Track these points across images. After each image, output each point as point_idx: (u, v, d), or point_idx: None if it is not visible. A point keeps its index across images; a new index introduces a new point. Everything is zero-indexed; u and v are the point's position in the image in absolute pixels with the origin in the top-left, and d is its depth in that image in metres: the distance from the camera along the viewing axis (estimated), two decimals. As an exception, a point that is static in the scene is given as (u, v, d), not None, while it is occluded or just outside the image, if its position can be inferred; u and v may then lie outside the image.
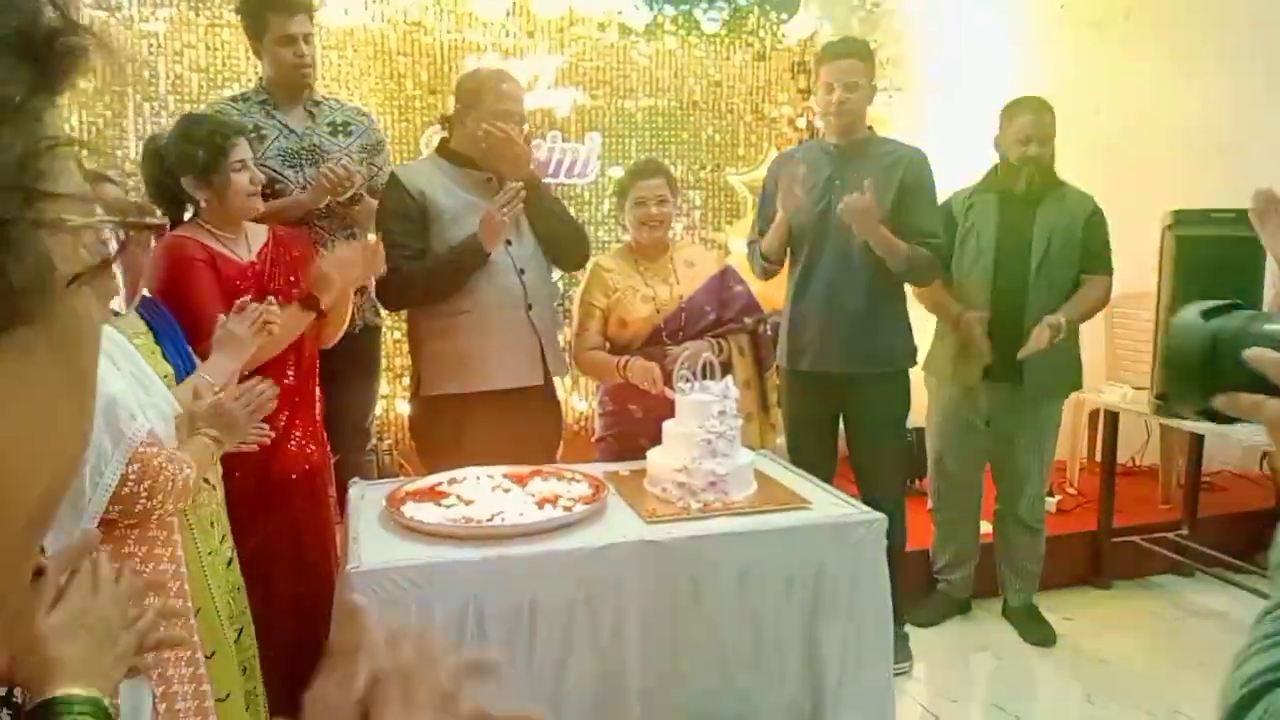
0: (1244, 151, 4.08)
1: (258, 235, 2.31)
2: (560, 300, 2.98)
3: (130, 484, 1.46)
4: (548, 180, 4.02)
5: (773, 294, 3.28)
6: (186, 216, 2.25)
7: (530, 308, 2.55)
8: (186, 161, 2.14)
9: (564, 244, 2.64)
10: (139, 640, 0.93)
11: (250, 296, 2.03)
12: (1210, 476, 4.11)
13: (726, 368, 2.57)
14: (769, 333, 2.86)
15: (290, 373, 2.26)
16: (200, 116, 2.39)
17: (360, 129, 2.89)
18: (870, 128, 2.98)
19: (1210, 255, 2.66)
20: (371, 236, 2.94)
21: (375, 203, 2.79)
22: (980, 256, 3.05)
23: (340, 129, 2.84)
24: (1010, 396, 3.05)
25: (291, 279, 2.29)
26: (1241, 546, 3.62)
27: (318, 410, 2.39)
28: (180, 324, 1.99)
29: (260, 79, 2.85)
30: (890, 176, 2.84)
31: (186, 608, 1.64)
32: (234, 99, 2.85)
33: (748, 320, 2.76)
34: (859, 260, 2.82)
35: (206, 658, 1.69)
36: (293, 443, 2.27)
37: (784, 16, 4.24)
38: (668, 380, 2.40)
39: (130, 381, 1.54)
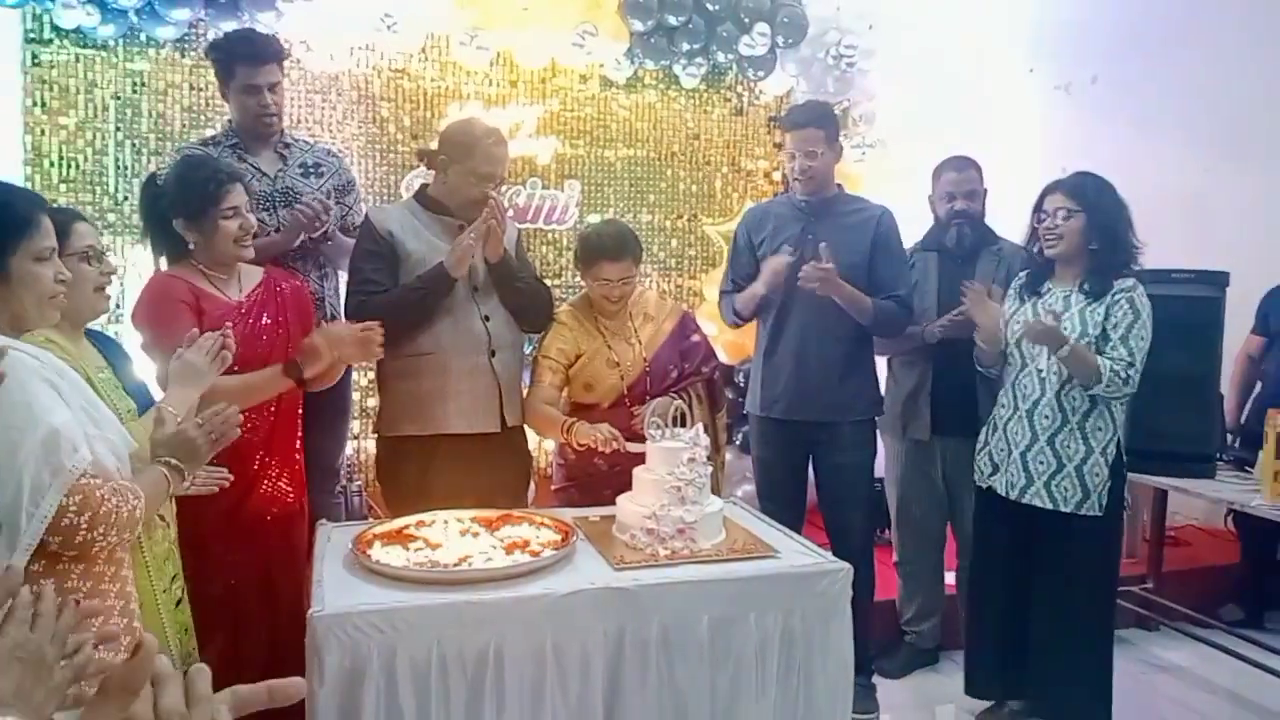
0: (1204, 213, 4.20)
1: (252, 275, 2.32)
2: (531, 348, 3.00)
3: (70, 515, 1.43)
4: (526, 225, 4.08)
5: (745, 342, 3.32)
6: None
7: (494, 354, 2.57)
8: (178, 203, 2.18)
9: (528, 313, 2.67)
10: (75, 674, 0.93)
11: (234, 336, 2.02)
12: (1175, 530, 4.16)
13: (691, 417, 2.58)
14: (720, 376, 2.88)
15: (269, 415, 2.26)
16: (200, 160, 2.42)
17: (331, 169, 2.92)
18: (840, 185, 3.06)
19: (1170, 314, 2.73)
20: (345, 276, 2.97)
21: (347, 240, 2.82)
22: (925, 312, 3.11)
23: (312, 170, 2.87)
24: (962, 449, 3.07)
25: (280, 319, 2.30)
26: (1205, 601, 3.66)
27: (298, 453, 2.38)
28: (157, 360, 1.98)
29: (230, 122, 2.88)
30: (860, 234, 2.92)
31: (118, 633, 1.57)
32: (204, 142, 2.88)
33: (705, 370, 2.78)
34: (829, 312, 2.88)
35: None
36: (267, 483, 2.26)
37: (761, 74, 4.34)
38: (630, 435, 2.40)
39: (79, 414, 1.53)
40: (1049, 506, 2.61)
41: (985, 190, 3.20)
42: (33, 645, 0.89)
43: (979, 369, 2.82)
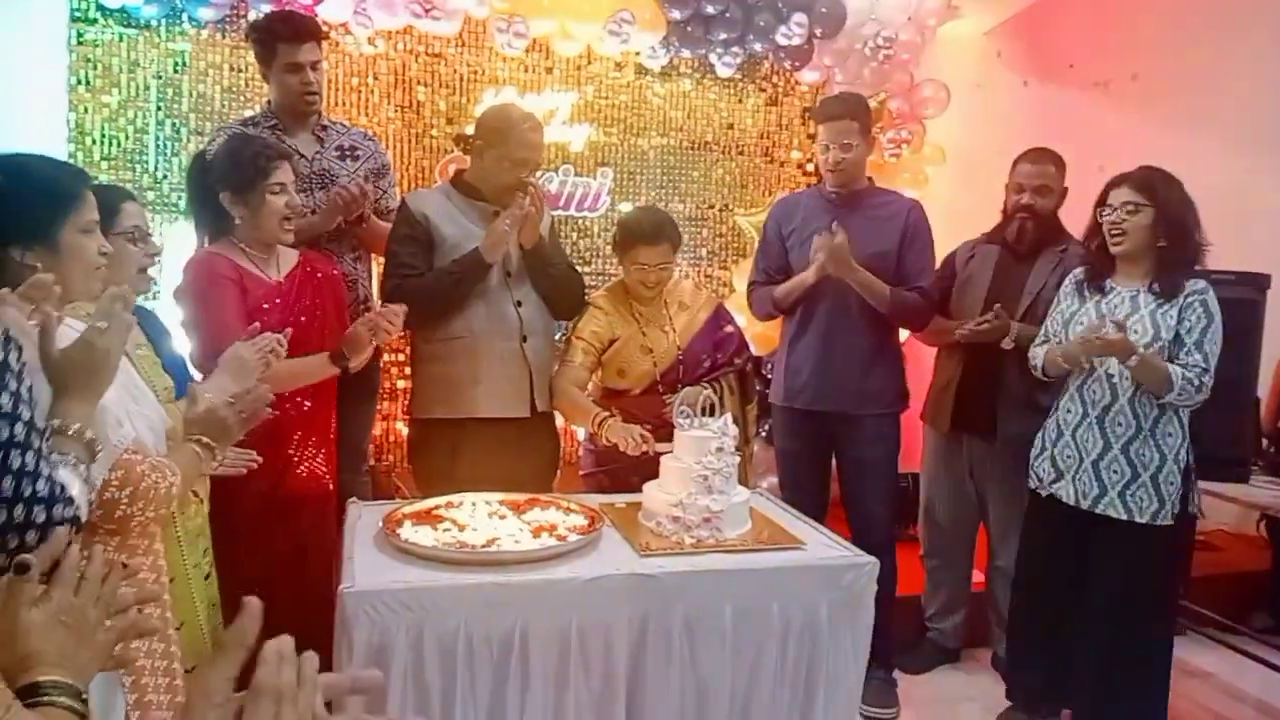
0: (1246, 214, 4.12)
1: (289, 257, 2.36)
2: (561, 334, 3.01)
3: (113, 489, 1.47)
4: (559, 212, 4.09)
5: (773, 334, 3.31)
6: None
7: (525, 339, 2.58)
8: (228, 177, 2.21)
9: (560, 299, 2.68)
10: (119, 637, 0.96)
11: (274, 318, 2.05)
12: (1205, 535, 4.10)
13: (721, 407, 2.58)
14: (751, 368, 2.87)
15: (306, 397, 2.29)
16: (251, 136, 2.47)
17: (367, 152, 2.94)
18: (870, 178, 3.04)
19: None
20: (378, 259, 2.99)
21: (381, 224, 2.84)
22: (973, 305, 3.05)
23: (348, 153, 2.88)
24: (984, 447, 3.05)
25: (317, 301, 2.33)
26: (1234, 607, 3.61)
27: (333, 434, 2.41)
28: (201, 338, 2.01)
29: (268, 103, 2.91)
30: (890, 226, 2.90)
31: (160, 592, 1.62)
32: (243, 122, 2.91)
33: (737, 361, 2.78)
34: (855, 303, 2.87)
35: (187, 671, 1.69)
36: (304, 464, 2.29)
37: (796, 64, 4.31)
38: (657, 432, 2.39)
39: (119, 390, 1.56)
40: (1124, 517, 2.50)
41: (1064, 189, 3.07)
42: (77, 609, 0.91)
43: (1045, 378, 2.69)
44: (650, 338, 2.69)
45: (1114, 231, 2.52)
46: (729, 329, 2.81)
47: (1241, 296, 3.15)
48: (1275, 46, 4.13)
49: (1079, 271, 2.69)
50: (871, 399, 2.94)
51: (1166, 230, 2.48)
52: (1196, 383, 2.41)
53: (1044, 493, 2.67)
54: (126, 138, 3.69)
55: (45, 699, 0.84)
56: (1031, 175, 3.04)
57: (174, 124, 3.73)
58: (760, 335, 4.03)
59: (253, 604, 0.79)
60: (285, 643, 0.76)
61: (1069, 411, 2.62)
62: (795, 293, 2.93)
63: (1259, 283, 3.17)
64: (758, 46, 4.20)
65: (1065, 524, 2.62)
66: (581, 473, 2.82)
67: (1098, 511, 2.53)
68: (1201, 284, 2.49)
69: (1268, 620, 3.66)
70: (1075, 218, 3.19)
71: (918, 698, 3.11)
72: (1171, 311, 2.47)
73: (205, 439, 1.68)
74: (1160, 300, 2.49)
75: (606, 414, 2.51)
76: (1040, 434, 2.71)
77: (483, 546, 1.98)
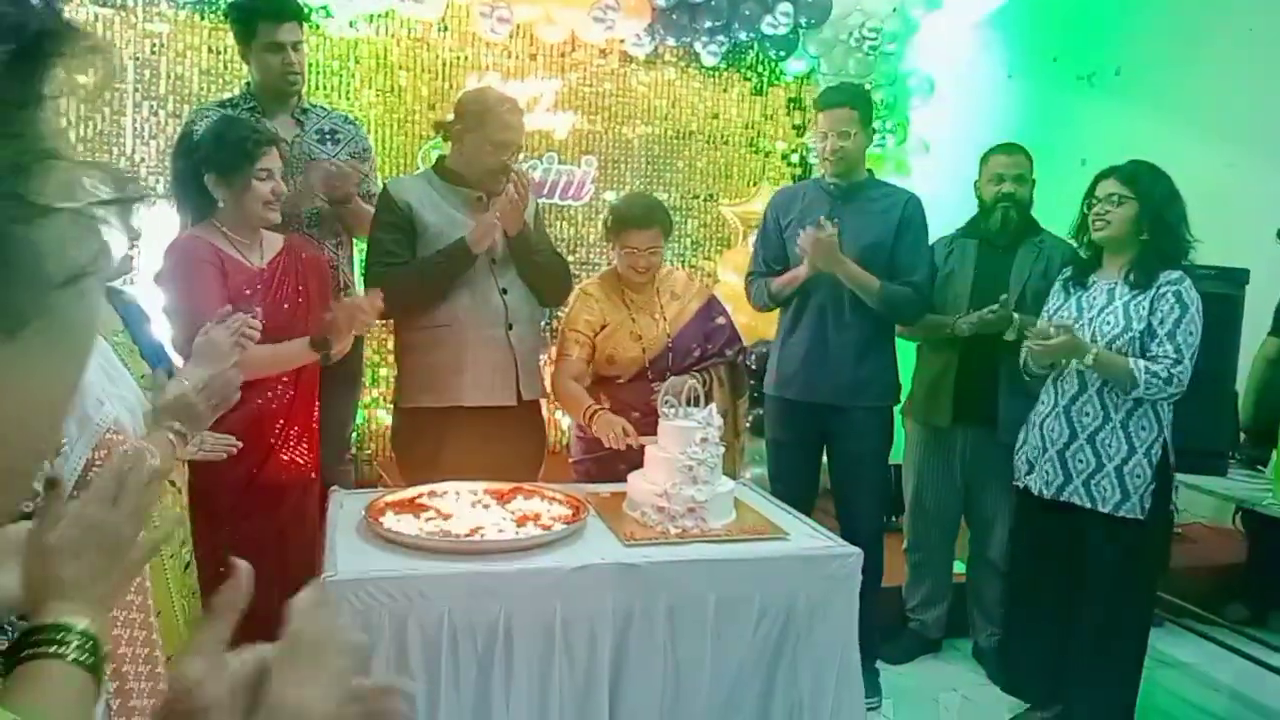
0: (1227, 209, 4.16)
1: (272, 243, 2.32)
2: (547, 321, 2.99)
3: (96, 469, 1.45)
4: (543, 200, 4.06)
5: (762, 325, 3.30)
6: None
7: (510, 327, 2.56)
8: (213, 159, 2.17)
9: (546, 286, 2.66)
10: (150, 552, 0.88)
11: (256, 304, 2.02)
12: (1182, 528, 4.14)
13: (708, 398, 2.58)
14: (745, 361, 2.87)
15: (289, 385, 2.26)
16: (239, 119, 2.43)
17: (348, 136, 2.90)
18: (870, 171, 3.04)
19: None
20: (360, 244, 2.96)
21: (363, 208, 2.81)
22: (957, 300, 3.07)
23: (328, 136, 2.85)
24: (982, 439, 3.06)
25: (300, 288, 2.30)
26: (1211, 598, 3.65)
27: (315, 422, 2.39)
28: (181, 323, 1.98)
29: (248, 85, 2.86)
30: (886, 218, 2.89)
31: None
32: (222, 104, 2.85)
33: (728, 353, 2.78)
34: (849, 295, 2.86)
35: (168, 659, 1.67)
36: (285, 452, 2.27)
37: (782, 54, 4.30)
38: (646, 420, 2.38)
39: (97, 372, 1.54)
40: (1087, 505, 2.50)
41: (1034, 180, 3.12)
42: (111, 527, 0.82)
43: (1026, 376, 2.70)
44: (640, 325, 2.68)
45: (1097, 221, 2.54)
46: (720, 320, 2.81)
47: (1220, 291, 3.18)
48: (1257, 42, 4.16)
49: (1066, 270, 2.70)
50: (862, 391, 2.94)
51: (1149, 224, 2.49)
52: (1165, 375, 2.39)
53: (1020, 484, 2.70)
54: (103, 120, 3.63)
55: (50, 649, 0.74)
56: (1009, 165, 3.09)
57: (151, 106, 3.67)
58: (745, 326, 4.02)
59: (242, 567, 0.74)
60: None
61: (1043, 403, 2.65)
62: (789, 288, 2.94)
63: (1237, 278, 3.20)
64: (743, 35, 4.18)
65: (1042, 515, 2.63)
66: (571, 460, 2.81)
67: (1062, 500, 2.55)
68: (1177, 274, 2.48)
69: (1243, 612, 3.71)
70: (1055, 212, 3.21)
71: (899, 687, 3.12)
72: (1144, 302, 2.47)
73: (176, 425, 1.65)
74: (1135, 291, 2.49)
75: (597, 406, 2.51)
76: (1021, 428, 2.72)
77: (466, 536, 1.96)
